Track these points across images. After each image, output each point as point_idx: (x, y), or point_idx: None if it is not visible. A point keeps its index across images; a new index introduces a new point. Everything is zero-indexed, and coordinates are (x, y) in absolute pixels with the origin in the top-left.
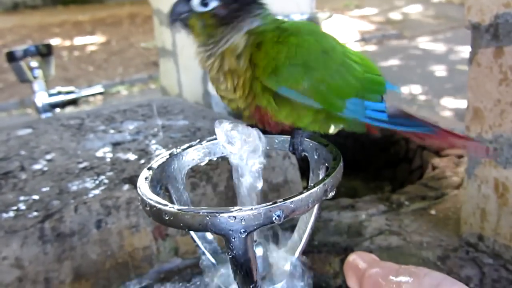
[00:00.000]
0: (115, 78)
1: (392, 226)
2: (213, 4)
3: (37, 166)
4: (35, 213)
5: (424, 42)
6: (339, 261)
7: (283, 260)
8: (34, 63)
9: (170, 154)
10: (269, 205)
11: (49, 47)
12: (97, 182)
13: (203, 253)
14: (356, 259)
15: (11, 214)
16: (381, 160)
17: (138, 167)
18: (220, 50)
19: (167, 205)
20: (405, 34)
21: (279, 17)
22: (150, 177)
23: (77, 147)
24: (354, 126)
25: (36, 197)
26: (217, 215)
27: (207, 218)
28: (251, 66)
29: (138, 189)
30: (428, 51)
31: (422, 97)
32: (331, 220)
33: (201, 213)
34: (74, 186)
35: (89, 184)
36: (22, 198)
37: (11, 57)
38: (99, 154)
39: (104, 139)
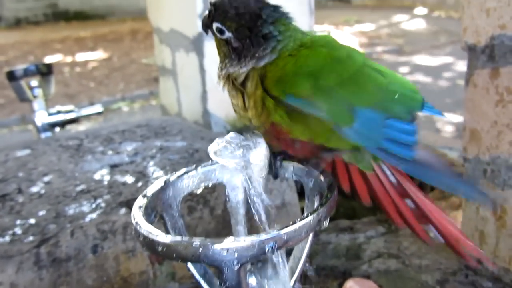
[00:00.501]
0: (116, 94)
1: (391, 249)
2: (227, 35)
3: (34, 189)
4: (31, 238)
5: (424, 57)
6: (337, 285)
7: None
8: (34, 82)
9: (165, 181)
10: (262, 236)
11: (49, 66)
12: (94, 205)
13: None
14: (353, 286)
15: (7, 238)
16: None
17: (135, 190)
18: (230, 72)
19: (160, 236)
20: (405, 49)
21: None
22: (144, 205)
23: (75, 169)
24: (362, 159)
25: (32, 221)
26: (210, 247)
27: (200, 250)
28: (261, 82)
29: (132, 218)
30: (428, 66)
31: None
32: (330, 242)
33: (193, 244)
34: (71, 210)
35: (86, 207)
36: (18, 222)
37: (11, 76)
38: (97, 176)
39: (102, 160)
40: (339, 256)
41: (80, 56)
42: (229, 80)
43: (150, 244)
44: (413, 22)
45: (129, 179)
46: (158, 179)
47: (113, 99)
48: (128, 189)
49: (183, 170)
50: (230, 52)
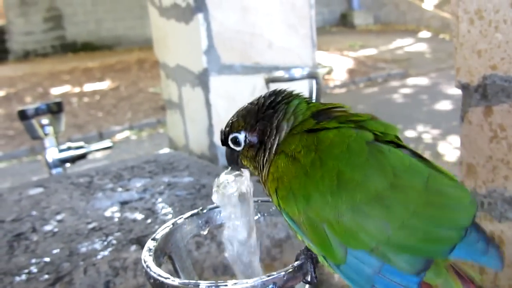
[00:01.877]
0: (124, 123)
1: None
2: (242, 137)
3: (48, 227)
4: (46, 276)
5: (429, 80)
6: None
7: None
8: (45, 121)
9: (173, 224)
10: (263, 278)
11: (59, 104)
12: (105, 243)
13: None
14: None
15: (24, 277)
16: None
17: (144, 227)
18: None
19: (169, 279)
20: (410, 72)
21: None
22: (154, 248)
23: (86, 207)
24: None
25: (47, 259)
26: None
27: None
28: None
29: (142, 261)
30: (434, 89)
31: (429, 135)
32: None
33: (199, 287)
34: (83, 248)
35: (97, 245)
36: (34, 260)
37: (23, 115)
38: (107, 213)
39: (112, 197)
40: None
41: (88, 87)
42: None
43: (160, 286)
44: (418, 46)
45: (139, 216)
46: (166, 216)
47: (121, 128)
48: (138, 226)
49: (189, 213)
50: (257, 154)
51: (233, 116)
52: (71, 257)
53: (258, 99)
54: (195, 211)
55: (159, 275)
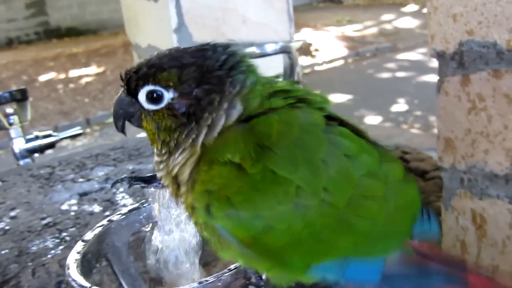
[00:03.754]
0: (110, 108)
1: None
2: (168, 97)
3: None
4: None
5: (417, 53)
6: None
7: None
8: (9, 110)
9: (108, 221)
10: (193, 286)
11: (24, 92)
12: (58, 240)
13: None
14: None
15: None
16: None
17: (101, 220)
18: (169, 167)
19: None
20: (399, 46)
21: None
22: (83, 251)
23: (43, 201)
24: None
25: None
26: None
27: None
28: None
29: (66, 268)
30: (423, 62)
31: (418, 108)
32: None
33: None
34: (34, 247)
35: (49, 242)
36: None
37: None
38: (64, 207)
39: (72, 189)
40: None
41: (74, 72)
42: (170, 179)
43: None
44: (405, 19)
45: (97, 208)
46: (125, 207)
47: (108, 114)
48: (95, 219)
49: (127, 208)
50: (176, 127)
51: (161, 56)
52: (20, 257)
53: (207, 47)
54: (135, 205)
55: (79, 285)
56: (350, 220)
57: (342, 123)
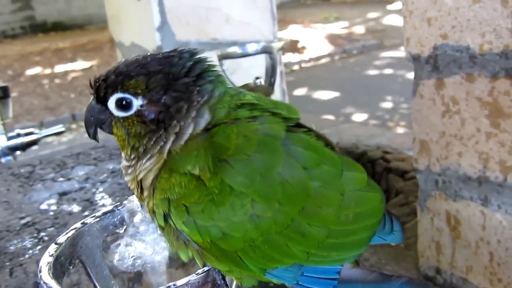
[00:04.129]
0: None
1: None
2: (137, 104)
3: None
4: None
5: (404, 51)
6: None
7: None
8: None
9: (82, 224)
10: None
11: (5, 89)
12: (36, 240)
13: None
14: None
15: None
16: None
17: (80, 220)
18: (136, 172)
19: None
20: (385, 43)
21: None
22: (56, 254)
23: (22, 200)
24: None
25: None
26: None
27: None
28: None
29: (38, 271)
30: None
31: (404, 105)
32: None
33: None
34: (12, 246)
35: (28, 242)
36: None
37: None
38: (44, 206)
39: (52, 188)
40: None
41: (60, 68)
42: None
43: None
44: (392, 17)
45: (76, 208)
46: (104, 207)
47: None
48: (74, 219)
49: (101, 211)
50: (145, 134)
51: (128, 64)
52: None
53: (173, 54)
54: (110, 208)
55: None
56: (303, 229)
57: (310, 131)
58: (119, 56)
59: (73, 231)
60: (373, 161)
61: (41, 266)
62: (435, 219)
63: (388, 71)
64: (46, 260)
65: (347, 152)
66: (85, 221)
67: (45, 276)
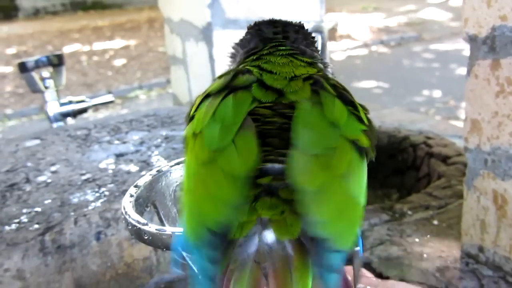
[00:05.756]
0: (133, 82)
1: (393, 236)
2: None
3: (41, 178)
4: (36, 226)
5: (443, 45)
6: None
7: None
8: (45, 74)
9: (158, 171)
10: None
11: (60, 57)
12: (97, 194)
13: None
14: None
15: (13, 226)
16: (388, 168)
17: (138, 178)
18: None
19: (146, 225)
20: (424, 36)
21: None
22: (136, 195)
23: (81, 158)
24: None
25: (38, 209)
26: None
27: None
28: None
29: (122, 208)
30: (448, 54)
31: (441, 100)
32: None
33: (178, 233)
34: (75, 199)
35: (90, 196)
36: (25, 210)
37: (23, 67)
38: (102, 165)
39: (108, 150)
40: None
41: (98, 45)
42: None
43: (137, 233)
44: (433, 9)
45: (133, 168)
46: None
47: (131, 87)
48: (132, 178)
49: (176, 161)
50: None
51: None
52: (62, 207)
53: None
54: (182, 159)
55: (137, 221)
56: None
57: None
58: (167, 32)
59: (150, 177)
60: (415, 146)
61: (124, 204)
62: (482, 198)
63: (426, 64)
64: (127, 200)
65: (388, 136)
66: (161, 168)
67: (130, 210)
